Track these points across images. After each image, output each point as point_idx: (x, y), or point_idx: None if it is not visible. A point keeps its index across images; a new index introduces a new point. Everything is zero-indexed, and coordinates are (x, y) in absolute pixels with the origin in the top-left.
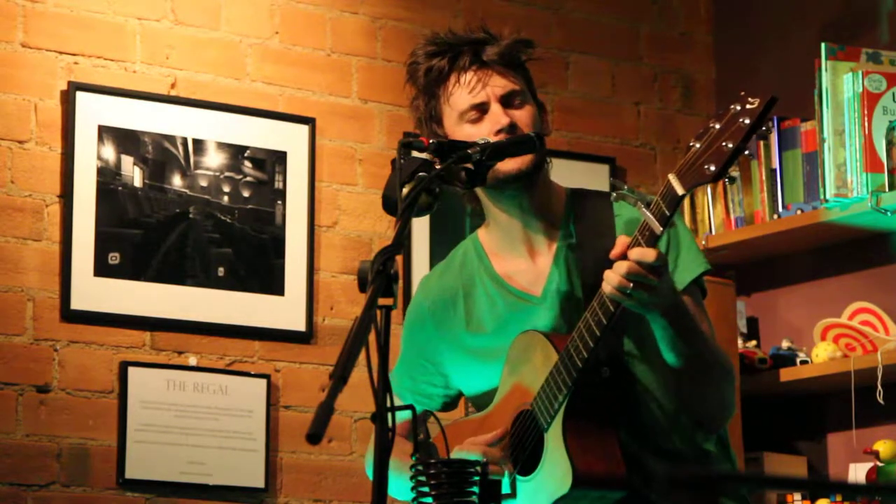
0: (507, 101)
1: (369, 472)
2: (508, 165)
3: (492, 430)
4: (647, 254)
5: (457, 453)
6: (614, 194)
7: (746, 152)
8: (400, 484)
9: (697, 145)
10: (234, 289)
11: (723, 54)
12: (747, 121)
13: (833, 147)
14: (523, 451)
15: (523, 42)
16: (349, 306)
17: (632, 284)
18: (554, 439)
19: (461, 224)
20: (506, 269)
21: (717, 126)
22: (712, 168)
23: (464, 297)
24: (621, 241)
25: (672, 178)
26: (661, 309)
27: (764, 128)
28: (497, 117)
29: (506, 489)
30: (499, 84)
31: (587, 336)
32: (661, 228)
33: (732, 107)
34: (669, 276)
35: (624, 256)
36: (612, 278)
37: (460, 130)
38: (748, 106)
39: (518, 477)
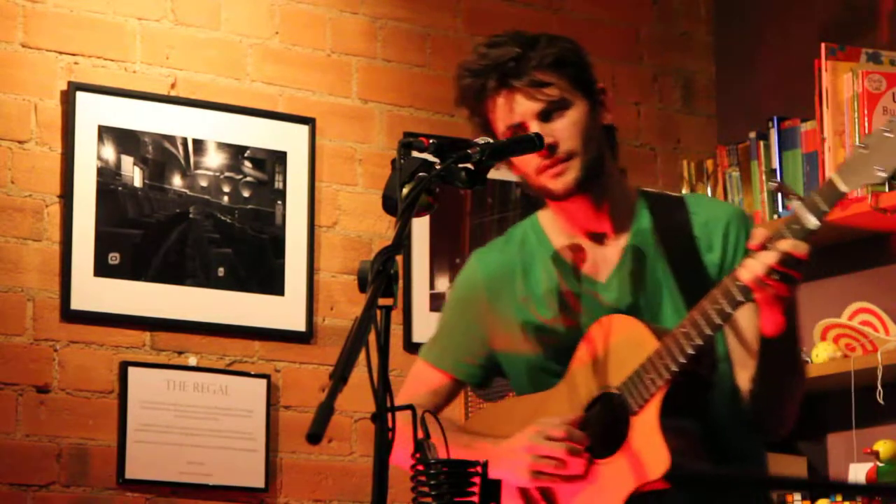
0: (545, 117)
1: None
2: (553, 186)
3: (562, 408)
4: (800, 246)
5: (534, 437)
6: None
7: None
8: None
9: (864, 149)
10: (234, 289)
11: (723, 54)
12: None
13: (833, 147)
14: (601, 434)
15: (555, 47)
16: (349, 306)
17: (776, 276)
18: (646, 425)
19: (461, 224)
20: (567, 251)
21: (889, 133)
22: (882, 173)
23: (522, 274)
24: (759, 232)
25: (835, 175)
26: (784, 304)
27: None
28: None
29: (578, 470)
30: (526, 105)
31: (703, 324)
32: (816, 222)
33: None
34: None
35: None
36: (754, 267)
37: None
38: None
39: (592, 459)
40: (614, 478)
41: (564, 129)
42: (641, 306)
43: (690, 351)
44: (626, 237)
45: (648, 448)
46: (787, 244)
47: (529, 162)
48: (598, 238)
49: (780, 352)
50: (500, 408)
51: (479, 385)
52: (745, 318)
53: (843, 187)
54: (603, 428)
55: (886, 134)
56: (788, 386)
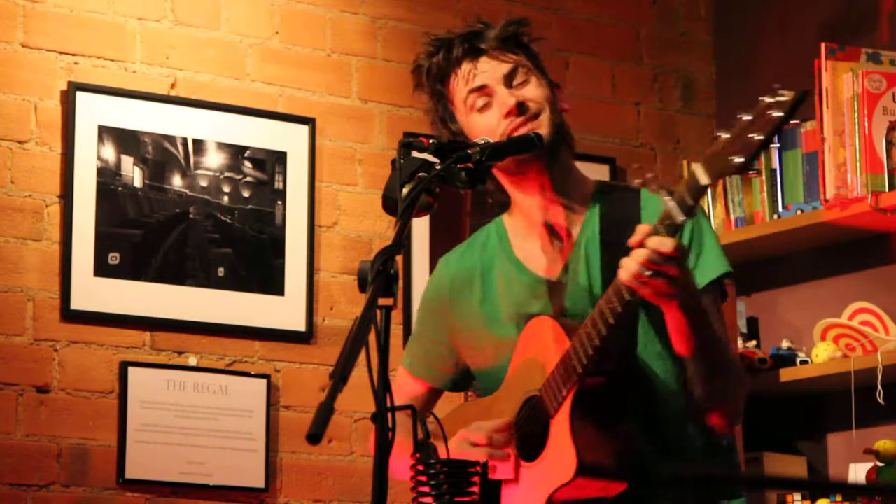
0: (510, 82)
1: None
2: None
3: (500, 413)
4: (665, 243)
5: (460, 444)
6: (638, 180)
7: (776, 144)
8: None
9: (725, 136)
10: (234, 289)
11: (723, 54)
12: (777, 113)
13: (833, 147)
14: (530, 437)
15: (515, 22)
16: (349, 306)
17: (649, 273)
18: (559, 427)
19: (461, 224)
20: (525, 252)
21: (747, 118)
22: (739, 159)
23: (481, 277)
24: (640, 229)
25: (697, 167)
26: (678, 301)
27: (798, 121)
28: (503, 99)
29: (508, 474)
30: (493, 66)
31: (600, 324)
32: (683, 217)
33: (763, 99)
34: (688, 269)
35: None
36: (629, 265)
37: (470, 121)
38: (779, 99)
39: (522, 463)
40: (535, 481)
41: (532, 92)
42: (584, 306)
43: (591, 352)
44: (577, 232)
45: (560, 451)
46: (654, 241)
47: (497, 128)
48: (553, 233)
49: (693, 346)
50: (457, 411)
51: (453, 390)
52: None
53: (703, 180)
54: (531, 431)
55: (745, 117)
56: (718, 389)
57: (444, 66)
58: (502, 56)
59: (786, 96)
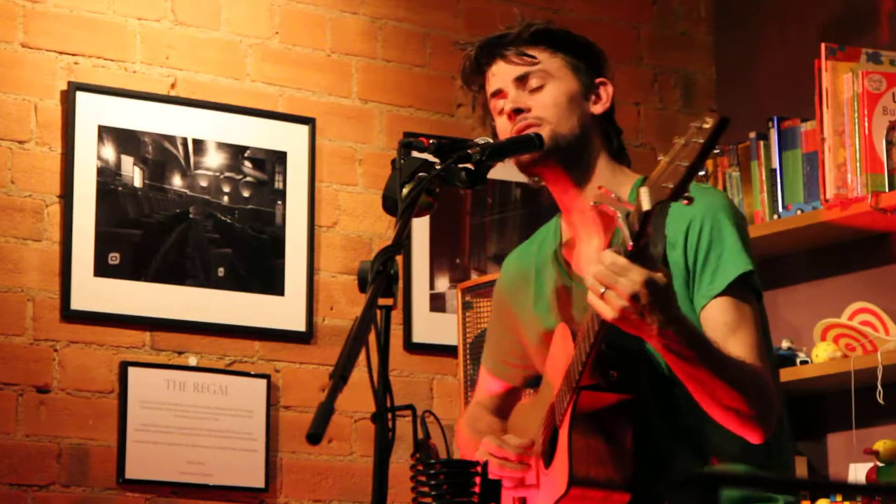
0: (522, 86)
1: None
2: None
3: (533, 418)
4: (605, 255)
5: (479, 453)
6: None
7: (702, 172)
8: None
9: (665, 159)
10: (234, 289)
11: (723, 54)
12: (700, 140)
13: (833, 147)
14: (552, 444)
15: (534, 23)
16: (349, 306)
17: (601, 289)
18: (562, 437)
19: (461, 224)
20: (571, 252)
21: (680, 142)
22: (670, 186)
23: (535, 276)
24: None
25: (643, 192)
26: (657, 341)
27: (717, 150)
28: (507, 104)
29: (531, 480)
30: (507, 70)
31: (588, 338)
32: (631, 244)
33: (693, 124)
34: (668, 311)
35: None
36: (588, 282)
37: (496, 124)
38: (703, 125)
39: (542, 469)
40: (547, 489)
41: (539, 99)
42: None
43: (580, 368)
44: (610, 233)
45: (559, 462)
46: (604, 255)
47: (504, 132)
48: (590, 235)
49: (691, 376)
50: (519, 409)
51: (523, 385)
52: (708, 321)
53: (645, 206)
54: (552, 438)
55: (679, 141)
56: (734, 410)
57: (474, 71)
58: (517, 59)
59: (708, 123)
